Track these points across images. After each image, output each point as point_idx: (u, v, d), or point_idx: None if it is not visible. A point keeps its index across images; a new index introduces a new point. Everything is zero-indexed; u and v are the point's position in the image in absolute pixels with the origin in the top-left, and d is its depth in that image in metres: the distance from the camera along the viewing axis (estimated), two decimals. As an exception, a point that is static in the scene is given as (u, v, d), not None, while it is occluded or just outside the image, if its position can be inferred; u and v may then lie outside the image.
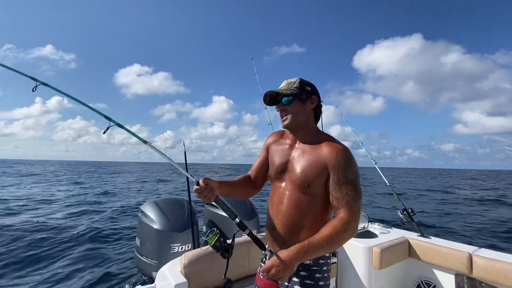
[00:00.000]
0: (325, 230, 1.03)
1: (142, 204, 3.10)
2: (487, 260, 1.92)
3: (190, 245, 2.67)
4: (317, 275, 1.12)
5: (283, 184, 1.21)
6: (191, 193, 2.75)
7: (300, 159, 1.17)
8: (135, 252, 2.92)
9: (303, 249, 1.01)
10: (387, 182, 2.95)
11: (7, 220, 7.40)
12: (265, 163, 1.34)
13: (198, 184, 1.14)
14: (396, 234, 2.45)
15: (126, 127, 1.40)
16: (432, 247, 2.20)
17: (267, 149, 1.35)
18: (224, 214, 3.10)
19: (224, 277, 1.32)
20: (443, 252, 2.12)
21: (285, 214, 1.17)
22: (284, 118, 1.22)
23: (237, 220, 1.18)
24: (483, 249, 2.09)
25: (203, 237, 3.37)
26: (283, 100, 1.20)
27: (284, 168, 1.21)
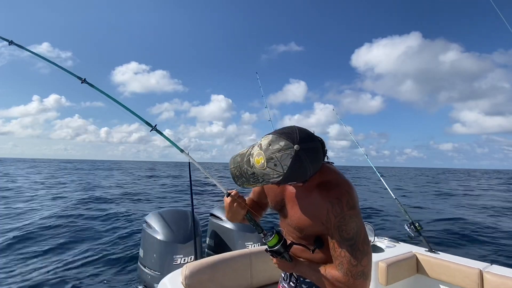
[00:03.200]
0: (325, 276, 0.97)
1: (147, 214, 3.10)
2: (499, 277, 1.84)
3: (192, 257, 2.64)
4: None
5: (285, 220, 1.14)
6: (194, 201, 2.74)
7: (294, 205, 1.06)
8: (138, 263, 2.90)
9: (304, 271, 1.05)
10: (393, 195, 2.90)
11: None
12: (263, 191, 1.26)
13: (228, 195, 1.09)
14: (404, 248, 2.39)
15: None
16: (441, 263, 2.12)
17: None
18: (228, 226, 3.08)
19: None
20: (452, 268, 2.04)
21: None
22: None
23: (262, 235, 1.11)
24: (494, 266, 2.01)
25: (206, 249, 3.35)
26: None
27: (282, 207, 1.13)
